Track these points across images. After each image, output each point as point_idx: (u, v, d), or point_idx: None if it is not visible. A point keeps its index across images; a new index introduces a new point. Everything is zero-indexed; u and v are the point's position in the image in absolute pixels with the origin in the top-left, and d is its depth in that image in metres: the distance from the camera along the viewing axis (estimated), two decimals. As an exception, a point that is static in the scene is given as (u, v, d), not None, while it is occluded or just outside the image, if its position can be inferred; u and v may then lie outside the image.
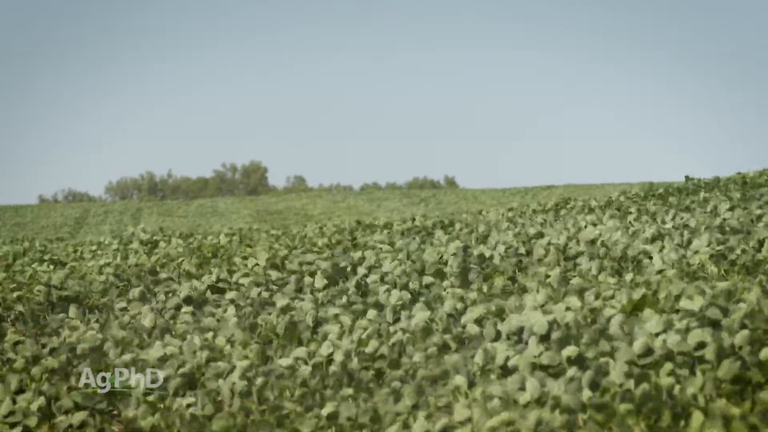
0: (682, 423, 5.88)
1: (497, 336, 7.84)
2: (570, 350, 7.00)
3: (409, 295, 9.74)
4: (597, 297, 8.61)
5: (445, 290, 9.90)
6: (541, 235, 12.76)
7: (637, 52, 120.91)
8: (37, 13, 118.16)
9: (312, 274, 11.21)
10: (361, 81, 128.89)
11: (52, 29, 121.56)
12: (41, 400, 7.44)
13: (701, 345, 6.67)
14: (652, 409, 5.97)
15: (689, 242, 11.09)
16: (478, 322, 8.30)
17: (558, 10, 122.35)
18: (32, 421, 7.25)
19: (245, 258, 13.02)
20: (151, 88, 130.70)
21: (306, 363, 7.95)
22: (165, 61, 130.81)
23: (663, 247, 10.93)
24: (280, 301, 10.02)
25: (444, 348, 7.76)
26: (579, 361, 6.91)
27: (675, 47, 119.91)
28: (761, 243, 10.69)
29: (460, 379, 7.00)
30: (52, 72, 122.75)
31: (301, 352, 8.14)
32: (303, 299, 10.21)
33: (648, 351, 6.77)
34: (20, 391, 7.67)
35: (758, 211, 12.88)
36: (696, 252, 10.61)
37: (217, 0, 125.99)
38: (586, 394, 6.30)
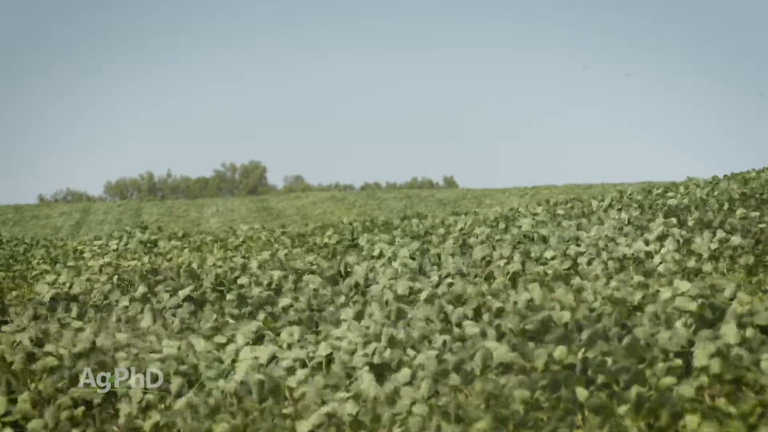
0: (681, 423, 5.89)
1: (496, 335, 7.85)
2: (567, 350, 7.01)
3: (410, 295, 9.75)
4: (596, 296, 8.63)
5: (447, 289, 9.91)
6: (541, 235, 12.78)
7: (637, 52, 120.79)
8: (37, 13, 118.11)
9: (312, 273, 11.22)
10: (361, 81, 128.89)
11: (52, 29, 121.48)
12: (39, 399, 7.44)
13: (699, 345, 6.68)
14: (650, 408, 5.98)
15: (688, 242, 11.10)
16: (478, 321, 8.31)
17: (558, 10, 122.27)
18: (32, 421, 7.25)
19: (245, 258, 13.03)
20: (151, 88, 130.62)
21: (306, 363, 7.96)
22: (165, 61, 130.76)
23: (662, 246, 10.94)
24: (280, 301, 10.04)
25: (444, 348, 7.77)
26: (577, 361, 6.92)
27: (675, 47, 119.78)
28: (758, 242, 10.71)
29: (458, 379, 7.01)
30: (52, 72, 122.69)
31: (301, 352, 8.15)
32: (303, 299, 10.22)
33: (646, 350, 6.77)
34: (19, 390, 7.67)
35: (757, 212, 12.90)
36: (695, 251, 10.62)
37: (217, 0, 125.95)
38: (584, 393, 6.31)
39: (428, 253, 11.75)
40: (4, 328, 9.60)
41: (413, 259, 11.39)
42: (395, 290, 9.99)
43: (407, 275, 10.77)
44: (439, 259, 11.39)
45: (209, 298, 10.79)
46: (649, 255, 10.81)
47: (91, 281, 11.80)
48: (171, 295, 10.80)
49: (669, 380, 6.31)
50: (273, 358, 8.27)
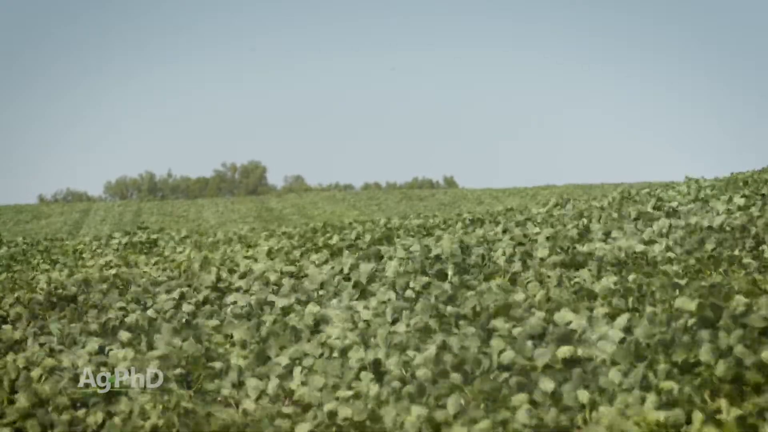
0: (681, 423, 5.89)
1: (496, 335, 7.85)
2: (567, 350, 7.01)
3: (409, 295, 9.75)
4: (594, 297, 8.63)
5: (445, 289, 9.90)
6: (541, 234, 12.77)
7: (637, 52, 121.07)
8: (36, 13, 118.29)
9: (312, 274, 11.21)
10: (361, 81, 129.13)
11: (52, 29, 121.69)
12: (39, 400, 7.44)
13: (698, 345, 6.68)
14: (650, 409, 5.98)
15: (686, 242, 11.10)
16: (477, 321, 8.30)
17: (558, 10, 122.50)
18: (30, 423, 7.25)
19: (245, 258, 13.03)
20: (151, 88, 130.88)
21: (306, 363, 7.96)
22: (165, 61, 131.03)
23: (662, 246, 10.94)
24: (280, 302, 10.03)
25: (442, 347, 7.77)
26: (577, 361, 6.92)
27: (675, 47, 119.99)
28: (759, 243, 10.71)
29: (459, 378, 7.01)
30: (52, 72, 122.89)
31: (299, 352, 8.15)
32: (302, 299, 10.22)
33: (645, 351, 6.77)
34: (18, 390, 7.67)
35: (757, 213, 12.90)
36: (693, 252, 10.62)
37: (217, 0, 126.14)
38: (585, 394, 6.31)
39: (428, 253, 11.75)
40: (4, 327, 9.60)
41: (413, 259, 11.38)
42: (395, 290, 9.99)
43: (407, 275, 10.76)
44: (441, 259, 11.37)
45: (209, 298, 10.79)
46: (649, 255, 10.80)
47: (90, 281, 11.79)
48: (170, 295, 10.79)
49: (669, 382, 6.32)
50: (272, 359, 8.27)
